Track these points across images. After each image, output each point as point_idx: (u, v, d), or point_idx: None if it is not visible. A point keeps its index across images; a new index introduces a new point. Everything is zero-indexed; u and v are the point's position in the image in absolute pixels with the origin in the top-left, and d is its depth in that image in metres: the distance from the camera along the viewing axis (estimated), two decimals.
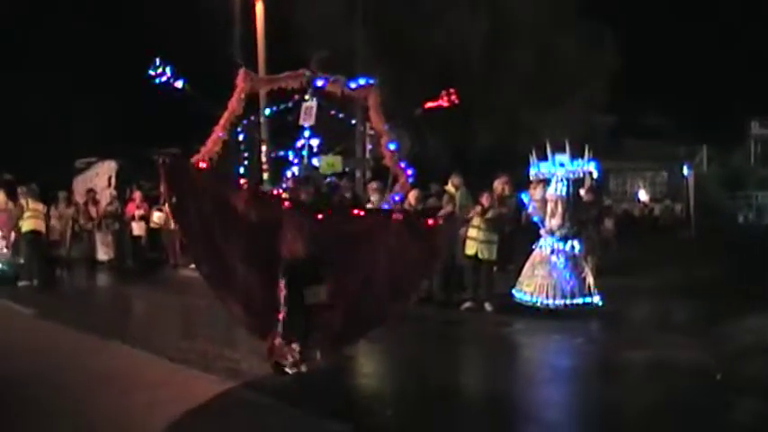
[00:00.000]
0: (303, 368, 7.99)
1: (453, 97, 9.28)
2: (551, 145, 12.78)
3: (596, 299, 12.29)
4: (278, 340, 8.04)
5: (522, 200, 13.63)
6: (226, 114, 8.56)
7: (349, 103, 9.95)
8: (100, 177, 24.32)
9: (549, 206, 12.66)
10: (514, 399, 8.23)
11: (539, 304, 12.21)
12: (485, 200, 12.96)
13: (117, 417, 7.05)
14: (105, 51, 29.10)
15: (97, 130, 28.61)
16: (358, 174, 21.78)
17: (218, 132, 8.43)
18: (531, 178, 13.45)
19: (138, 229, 19.49)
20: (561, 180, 12.62)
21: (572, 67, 27.39)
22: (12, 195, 16.73)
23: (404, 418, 7.25)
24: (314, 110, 8.75)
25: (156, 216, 19.13)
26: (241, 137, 9.35)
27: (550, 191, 12.69)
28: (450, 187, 14.59)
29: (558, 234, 12.46)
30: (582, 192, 13.55)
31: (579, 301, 12.19)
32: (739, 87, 36.84)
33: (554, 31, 27.17)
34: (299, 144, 8.76)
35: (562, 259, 12.35)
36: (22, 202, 16.42)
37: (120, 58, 29.23)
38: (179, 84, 8.36)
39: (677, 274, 16.77)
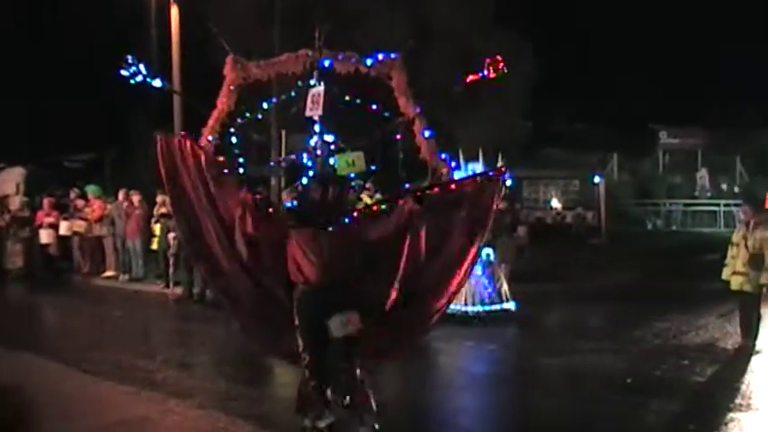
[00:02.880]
0: (331, 418, 6.41)
1: (501, 65, 7.76)
2: (464, 153, 12.93)
3: (511, 305, 12.51)
4: (305, 388, 6.44)
5: None
6: (215, 114, 7.24)
7: (370, 85, 8.06)
8: (7, 184, 23.56)
9: None
10: (428, 404, 8.34)
11: (456, 312, 12.31)
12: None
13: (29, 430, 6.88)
14: (11, 54, 28.26)
15: (4, 136, 27.75)
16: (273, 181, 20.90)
17: (207, 136, 7.17)
18: None
19: (46, 236, 18.88)
20: None
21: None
22: None
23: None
24: (321, 97, 7.09)
25: (78, 224, 18.56)
26: (234, 139, 7.50)
27: None
28: (364, 196, 14.54)
29: None
30: None
31: (497, 307, 12.38)
32: (649, 97, 37.97)
33: (471, 38, 27.43)
34: (312, 142, 6.98)
35: (479, 266, 12.50)
36: None
37: (27, 61, 28.54)
38: (157, 82, 7.01)
39: (589, 280, 17.17)
